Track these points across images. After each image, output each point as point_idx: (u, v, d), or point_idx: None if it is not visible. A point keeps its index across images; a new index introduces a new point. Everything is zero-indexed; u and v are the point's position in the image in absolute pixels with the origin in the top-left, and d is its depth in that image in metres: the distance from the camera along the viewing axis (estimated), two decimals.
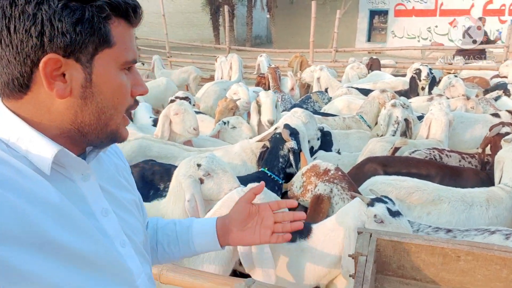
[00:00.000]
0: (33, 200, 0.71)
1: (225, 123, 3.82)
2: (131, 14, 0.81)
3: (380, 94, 4.30)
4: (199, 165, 2.09)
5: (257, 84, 6.27)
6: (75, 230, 0.77)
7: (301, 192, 2.38)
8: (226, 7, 10.82)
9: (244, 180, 2.70)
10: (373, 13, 22.50)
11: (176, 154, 3.09)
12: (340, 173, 2.30)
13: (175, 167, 2.79)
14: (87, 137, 0.83)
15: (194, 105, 4.79)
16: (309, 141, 3.23)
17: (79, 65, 0.77)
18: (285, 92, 5.97)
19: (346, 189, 2.25)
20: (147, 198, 2.63)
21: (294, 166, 2.78)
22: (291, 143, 2.76)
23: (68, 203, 0.77)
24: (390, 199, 1.85)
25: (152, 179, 2.68)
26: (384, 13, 21.97)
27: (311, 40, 8.87)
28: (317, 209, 2.23)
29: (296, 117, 3.11)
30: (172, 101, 4.58)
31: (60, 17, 0.72)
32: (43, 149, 0.76)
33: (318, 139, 3.47)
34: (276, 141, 2.84)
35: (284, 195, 2.76)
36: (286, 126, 2.84)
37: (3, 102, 0.79)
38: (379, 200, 1.81)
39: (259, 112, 3.88)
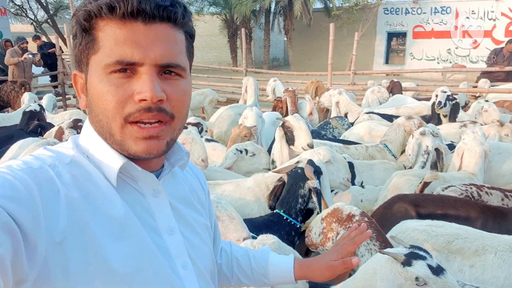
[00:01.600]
0: (96, 207, 0.76)
1: (241, 151, 3.53)
2: (124, 8, 0.74)
3: (406, 121, 3.98)
4: None
5: (274, 108, 6.00)
6: (132, 244, 0.78)
7: (320, 240, 2.06)
8: (243, 30, 10.71)
9: (255, 224, 2.40)
10: (391, 35, 22.28)
11: None
12: (366, 219, 1.98)
13: None
14: (115, 149, 0.81)
15: (206, 131, 4.53)
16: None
17: (84, 75, 0.82)
18: (304, 117, 5.69)
19: (374, 239, 1.93)
20: None
21: (318, 209, 2.44)
22: (314, 182, 2.43)
23: (133, 217, 0.80)
24: (426, 251, 1.53)
25: None
26: (403, 35, 21.73)
27: (329, 63, 8.63)
28: None
29: (318, 155, 2.76)
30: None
31: (73, 32, 0.82)
32: (112, 161, 0.80)
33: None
34: (297, 177, 2.51)
35: (301, 238, 2.43)
36: (310, 163, 2.52)
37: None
38: (416, 256, 1.49)
39: (289, 139, 3.46)
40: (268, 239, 1.72)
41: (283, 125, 3.51)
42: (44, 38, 15.91)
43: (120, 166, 0.79)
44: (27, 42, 9.44)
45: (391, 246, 1.93)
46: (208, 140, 4.15)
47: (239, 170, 3.49)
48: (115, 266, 0.74)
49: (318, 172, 2.48)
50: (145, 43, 0.76)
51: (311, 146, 3.31)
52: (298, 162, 2.57)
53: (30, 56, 8.76)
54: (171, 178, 0.93)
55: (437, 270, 1.47)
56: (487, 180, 3.45)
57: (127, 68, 0.77)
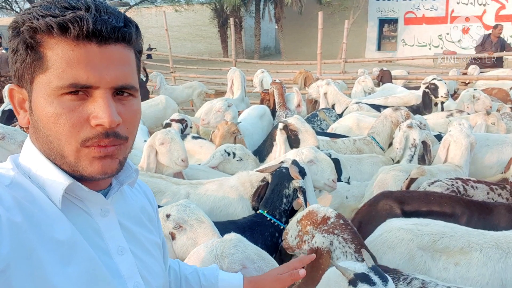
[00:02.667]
0: (41, 230, 0.72)
1: (229, 154, 3.43)
2: (79, 30, 0.71)
3: (393, 112, 3.93)
4: (168, 216, 1.75)
5: (262, 101, 5.92)
6: (81, 268, 0.74)
7: (297, 243, 1.99)
8: (232, 19, 10.56)
9: (238, 226, 2.35)
10: (382, 22, 22.22)
11: (163, 189, 2.73)
12: (341, 221, 1.92)
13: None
14: (65, 170, 0.78)
15: (191, 127, 4.45)
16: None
17: (26, 93, 0.77)
18: (291, 109, 5.62)
19: (350, 241, 1.88)
20: None
21: (304, 207, 2.38)
22: (299, 182, 2.37)
23: (81, 239, 0.76)
24: (381, 275, 1.45)
25: None
26: (394, 21, 21.68)
27: (319, 52, 8.52)
28: (315, 265, 1.85)
29: (301, 155, 2.68)
30: (167, 124, 4.26)
31: (12, 46, 0.75)
32: (56, 182, 0.76)
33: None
34: (282, 176, 2.43)
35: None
36: (294, 163, 2.46)
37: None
38: (364, 278, 1.41)
39: (294, 142, 3.28)
40: (231, 236, 1.66)
41: (285, 128, 3.35)
42: None
43: (66, 187, 0.76)
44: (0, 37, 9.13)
45: (366, 249, 1.89)
46: (194, 138, 4.07)
47: (224, 171, 3.40)
48: (62, 283, 0.72)
49: (302, 173, 2.42)
50: (100, 66, 0.74)
51: (318, 148, 3.19)
52: (282, 162, 2.51)
53: (4, 51, 8.49)
54: (120, 197, 0.91)
55: None
56: (473, 171, 3.43)
57: (79, 91, 0.74)
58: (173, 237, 1.77)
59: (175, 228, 1.76)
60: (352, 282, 1.40)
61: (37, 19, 0.71)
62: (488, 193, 2.82)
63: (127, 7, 22.16)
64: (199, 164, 3.46)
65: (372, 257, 1.94)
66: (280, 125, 3.33)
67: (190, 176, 3.13)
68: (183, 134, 4.10)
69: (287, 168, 2.40)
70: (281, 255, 2.31)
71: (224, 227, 2.22)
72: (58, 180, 0.77)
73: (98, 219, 0.82)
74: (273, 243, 2.36)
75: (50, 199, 0.76)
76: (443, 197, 2.47)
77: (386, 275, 1.46)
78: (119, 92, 0.79)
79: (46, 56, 0.72)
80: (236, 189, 2.77)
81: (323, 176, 2.65)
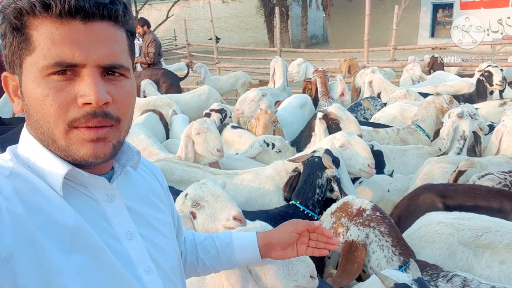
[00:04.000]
0: (47, 219, 0.71)
1: (268, 144, 3.41)
2: (61, 6, 0.69)
3: (436, 98, 3.74)
4: (186, 195, 1.78)
5: (304, 90, 5.83)
6: (86, 254, 0.74)
7: None
8: (277, 9, 10.44)
9: (270, 215, 2.32)
10: (436, 7, 21.14)
11: (200, 178, 2.75)
12: (378, 213, 1.85)
13: None
14: (59, 155, 0.77)
15: (230, 117, 4.46)
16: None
17: (18, 78, 0.76)
18: (334, 98, 5.49)
19: (386, 234, 1.81)
20: None
21: (340, 197, 2.31)
22: (332, 171, 2.31)
23: (84, 225, 0.75)
24: (423, 285, 1.41)
25: None
26: (449, 6, 20.56)
27: (366, 39, 8.25)
28: (351, 258, 1.80)
29: (333, 139, 2.60)
30: (206, 114, 4.29)
31: (1, 31, 0.74)
32: (55, 169, 0.76)
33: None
34: (314, 166, 2.38)
35: None
36: (327, 152, 2.39)
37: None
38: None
39: (335, 131, 3.14)
40: (255, 224, 1.63)
41: (325, 117, 3.28)
42: None
43: (65, 173, 0.75)
44: None
45: (404, 243, 1.82)
46: (234, 127, 4.08)
47: (262, 162, 3.38)
48: (69, 281, 0.71)
49: (336, 162, 2.34)
50: (86, 43, 0.72)
51: (361, 137, 3.05)
52: (314, 151, 2.44)
53: None
54: (125, 179, 0.90)
55: None
56: None
57: (67, 70, 0.72)
58: (194, 216, 1.78)
59: (194, 206, 1.78)
60: None
61: (21, 0, 0.71)
62: None
63: (175, 0, 22.56)
64: (237, 154, 3.46)
65: (409, 252, 1.86)
66: (320, 114, 3.25)
67: (226, 165, 3.14)
68: (222, 124, 4.13)
69: (319, 158, 2.34)
70: None
71: (256, 216, 2.21)
72: (56, 168, 0.76)
73: (105, 204, 0.82)
74: None
75: (51, 187, 0.75)
76: (491, 191, 2.31)
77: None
78: (110, 72, 0.77)
79: (32, 37, 0.71)
80: (272, 179, 2.75)
81: (358, 161, 2.55)
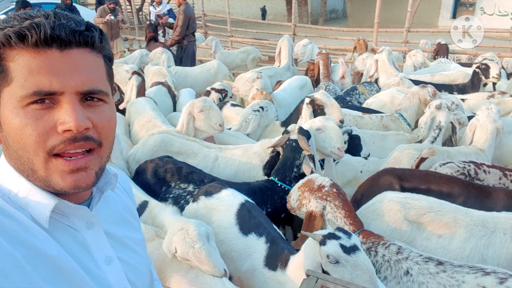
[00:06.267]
0: (29, 252, 0.72)
1: (258, 110, 3.83)
2: (37, 36, 0.70)
3: (421, 90, 4.01)
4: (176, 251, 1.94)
5: (307, 71, 6.10)
6: (69, 284, 0.76)
7: (297, 205, 2.34)
8: None
9: (251, 187, 2.70)
10: None
11: (196, 151, 3.15)
12: (334, 190, 2.22)
13: (188, 165, 2.86)
14: (39, 186, 0.77)
15: (231, 96, 4.80)
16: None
17: None
18: (335, 81, 5.75)
19: (340, 207, 2.17)
20: (158, 194, 2.74)
21: (315, 171, 2.65)
22: (309, 152, 2.66)
23: (66, 256, 0.77)
24: (345, 231, 1.70)
25: (164, 176, 2.77)
26: None
27: (376, 21, 8.27)
28: (310, 225, 2.19)
29: (312, 123, 2.95)
30: (207, 92, 4.64)
31: None
32: (41, 203, 0.76)
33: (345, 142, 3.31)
34: (293, 150, 2.72)
35: None
36: (300, 129, 2.74)
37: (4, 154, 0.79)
38: (332, 236, 1.67)
39: (319, 115, 3.37)
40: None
41: (311, 102, 3.59)
42: None
43: (52, 207, 0.76)
44: (114, 2, 8.44)
45: (354, 215, 2.18)
46: (233, 105, 4.44)
47: (265, 133, 3.83)
48: None
49: (307, 136, 2.68)
50: (63, 71, 0.73)
51: (342, 122, 3.45)
52: (288, 132, 2.79)
53: (112, 17, 8.33)
54: (102, 202, 0.90)
55: (349, 249, 1.61)
56: (498, 156, 3.48)
57: (45, 98, 0.73)
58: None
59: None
60: (322, 242, 1.71)
61: None
62: (500, 179, 2.91)
63: None
64: (229, 129, 3.82)
65: (359, 223, 2.24)
66: (307, 100, 3.58)
67: (220, 139, 3.52)
68: (222, 101, 4.48)
69: (296, 141, 2.68)
70: (290, 214, 2.65)
71: (239, 187, 2.60)
72: (42, 200, 0.76)
73: (84, 232, 0.83)
74: (282, 204, 2.69)
75: (32, 220, 0.75)
76: (443, 178, 2.64)
77: (350, 232, 1.75)
78: (89, 98, 0.77)
79: (9, 68, 0.71)
80: (259, 155, 3.12)
81: (330, 144, 2.86)
